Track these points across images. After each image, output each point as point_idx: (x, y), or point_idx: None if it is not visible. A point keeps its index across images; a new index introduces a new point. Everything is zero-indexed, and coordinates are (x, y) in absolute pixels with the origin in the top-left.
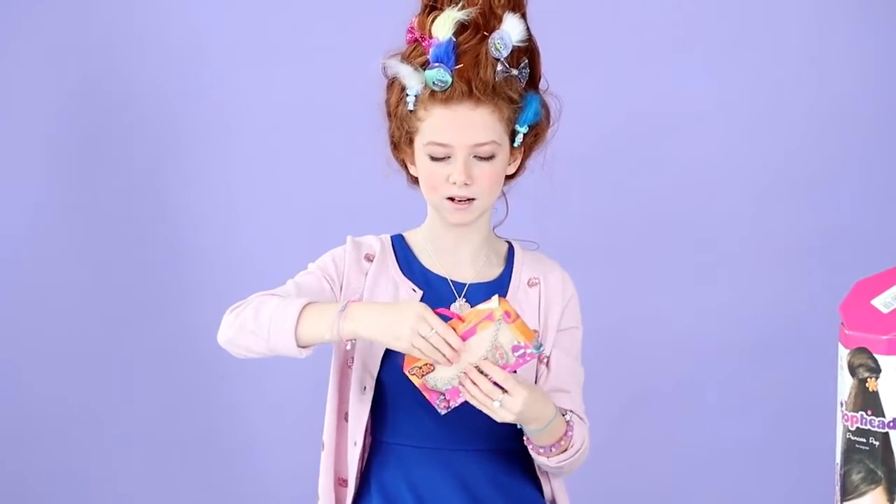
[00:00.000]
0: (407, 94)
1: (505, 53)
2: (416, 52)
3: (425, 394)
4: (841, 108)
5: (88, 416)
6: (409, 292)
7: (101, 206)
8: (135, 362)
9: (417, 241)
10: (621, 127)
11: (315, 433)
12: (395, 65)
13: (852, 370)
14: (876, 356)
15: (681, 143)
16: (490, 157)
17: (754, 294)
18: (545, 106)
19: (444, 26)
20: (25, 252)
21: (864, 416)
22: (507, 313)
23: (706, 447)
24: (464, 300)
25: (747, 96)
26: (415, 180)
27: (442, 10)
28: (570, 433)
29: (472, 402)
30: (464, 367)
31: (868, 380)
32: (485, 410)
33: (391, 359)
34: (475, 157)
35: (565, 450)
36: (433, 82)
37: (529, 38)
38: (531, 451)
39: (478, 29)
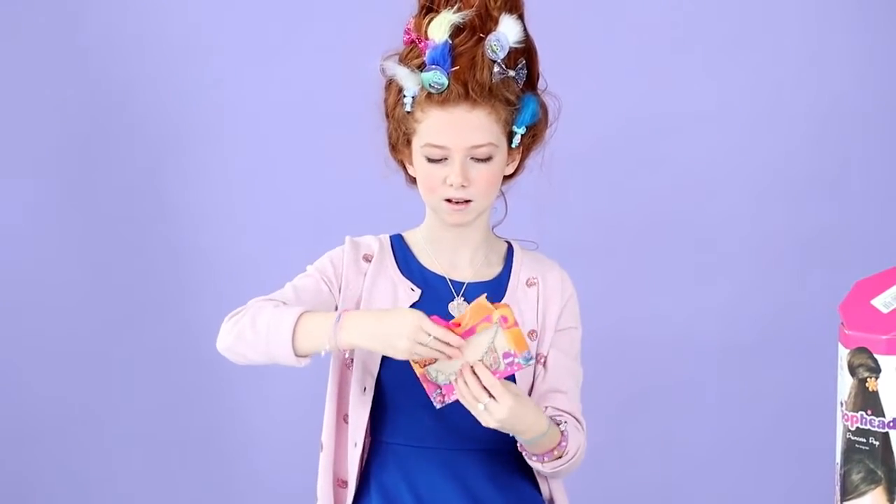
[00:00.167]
0: (404, 96)
1: (501, 55)
2: (412, 54)
3: (424, 384)
4: (841, 108)
5: (88, 416)
6: (408, 292)
7: (101, 206)
8: (135, 362)
9: (416, 241)
10: (621, 127)
11: (314, 433)
12: (392, 66)
13: (852, 370)
14: (876, 356)
15: (681, 143)
16: (487, 159)
17: (754, 294)
18: (543, 106)
19: (439, 29)
20: (25, 252)
21: (864, 415)
22: (504, 318)
23: (706, 447)
24: (462, 299)
25: (747, 96)
26: (413, 180)
27: (438, 11)
28: (563, 443)
29: (462, 401)
30: (463, 362)
31: (868, 380)
32: (472, 411)
33: (391, 359)
34: (472, 158)
35: (559, 457)
36: (429, 84)
37: (527, 39)
38: (525, 456)
39: (474, 31)
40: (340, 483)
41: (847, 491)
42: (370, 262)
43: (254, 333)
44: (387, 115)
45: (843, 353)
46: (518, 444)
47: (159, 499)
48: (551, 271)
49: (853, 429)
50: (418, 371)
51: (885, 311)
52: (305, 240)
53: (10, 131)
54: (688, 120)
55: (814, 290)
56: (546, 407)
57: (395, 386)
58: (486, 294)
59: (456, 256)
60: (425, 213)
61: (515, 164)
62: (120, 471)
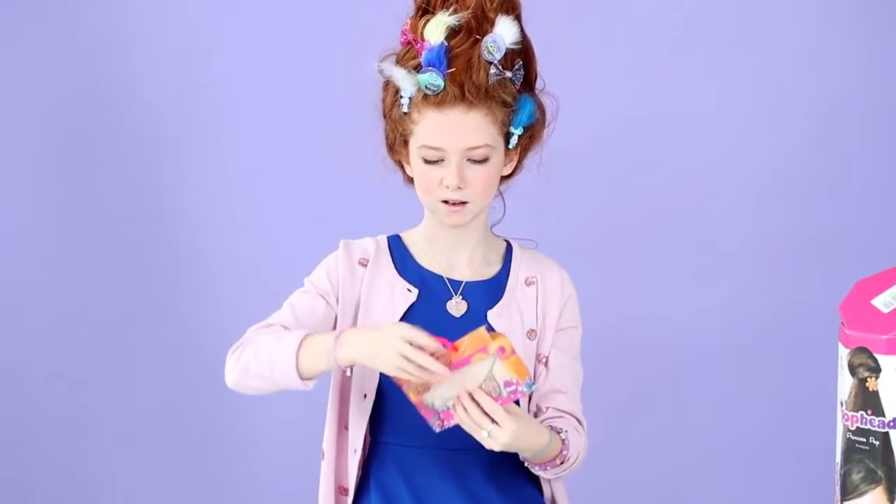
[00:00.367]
0: (401, 97)
1: (498, 56)
2: (409, 55)
3: (421, 411)
4: (841, 108)
5: (88, 416)
6: (405, 292)
7: (101, 207)
8: (135, 362)
9: (415, 241)
10: (621, 127)
11: (314, 433)
12: (388, 67)
13: (852, 370)
14: (876, 356)
15: (680, 143)
16: (484, 161)
17: (754, 294)
18: (540, 106)
19: (435, 30)
20: (25, 252)
21: (864, 415)
22: (501, 349)
23: (706, 447)
24: (460, 297)
25: (747, 96)
26: (411, 180)
27: (434, 13)
28: (564, 451)
29: (463, 426)
30: (459, 390)
31: (868, 379)
32: (475, 437)
33: None
34: (468, 160)
35: (560, 464)
36: (425, 86)
37: (524, 40)
38: (527, 465)
39: (470, 32)
40: (342, 490)
41: (847, 491)
42: (366, 266)
43: (258, 365)
44: (384, 116)
45: (844, 353)
46: (520, 455)
47: (159, 499)
48: (550, 270)
49: (853, 428)
50: (414, 399)
51: (885, 310)
52: (305, 240)
53: (10, 131)
54: (687, 120)
55: (814, 290)
56: (547, 407)
57: (395, 387)
58: (485, 326)
59: (454, 256)
60: (424, 213)
61: (513, 164)
62: (120, 471)
